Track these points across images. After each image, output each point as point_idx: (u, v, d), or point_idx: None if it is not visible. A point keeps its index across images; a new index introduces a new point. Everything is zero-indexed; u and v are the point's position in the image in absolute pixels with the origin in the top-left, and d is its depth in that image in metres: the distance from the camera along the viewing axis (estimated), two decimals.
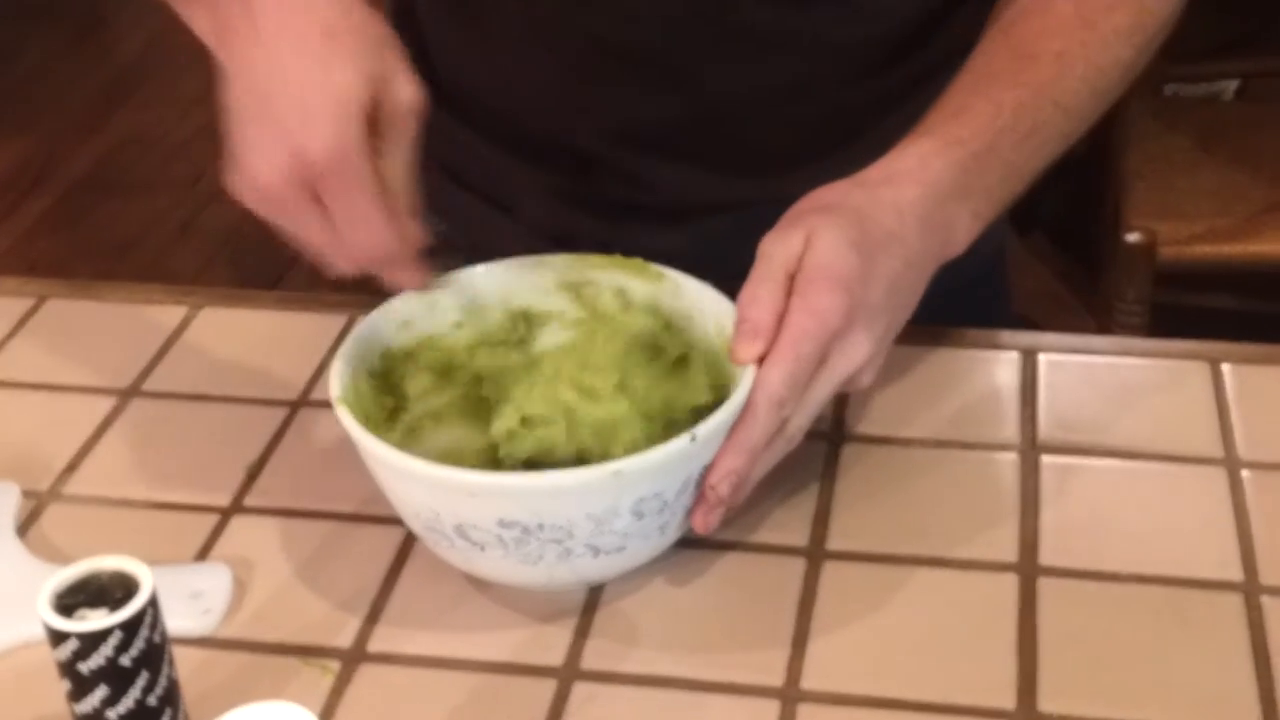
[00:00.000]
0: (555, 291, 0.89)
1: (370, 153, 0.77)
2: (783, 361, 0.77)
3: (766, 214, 0.84)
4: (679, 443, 0.75)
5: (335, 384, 0.81)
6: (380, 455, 0.77)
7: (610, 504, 0.75)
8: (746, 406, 0.77)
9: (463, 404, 0.88)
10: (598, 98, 1.01)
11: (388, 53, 0.79)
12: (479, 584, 0.82)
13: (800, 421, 0.80)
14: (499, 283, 0.89)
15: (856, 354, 0.80)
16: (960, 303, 0.92)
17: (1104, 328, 1.89)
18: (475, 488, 0.75)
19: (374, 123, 0.77)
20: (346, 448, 0.80)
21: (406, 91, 0.78)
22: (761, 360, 0.78)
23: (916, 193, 0.83)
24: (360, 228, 0.78)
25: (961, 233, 0.86)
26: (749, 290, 0.80)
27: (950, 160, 0.85)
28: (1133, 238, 1.84)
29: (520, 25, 1.00)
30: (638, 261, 0.88)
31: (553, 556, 0.77)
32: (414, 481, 0.77)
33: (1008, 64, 0.90)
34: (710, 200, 1.04)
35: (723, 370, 0.84)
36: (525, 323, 0.89)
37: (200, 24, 0.82)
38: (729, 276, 0.83)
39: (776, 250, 0.81)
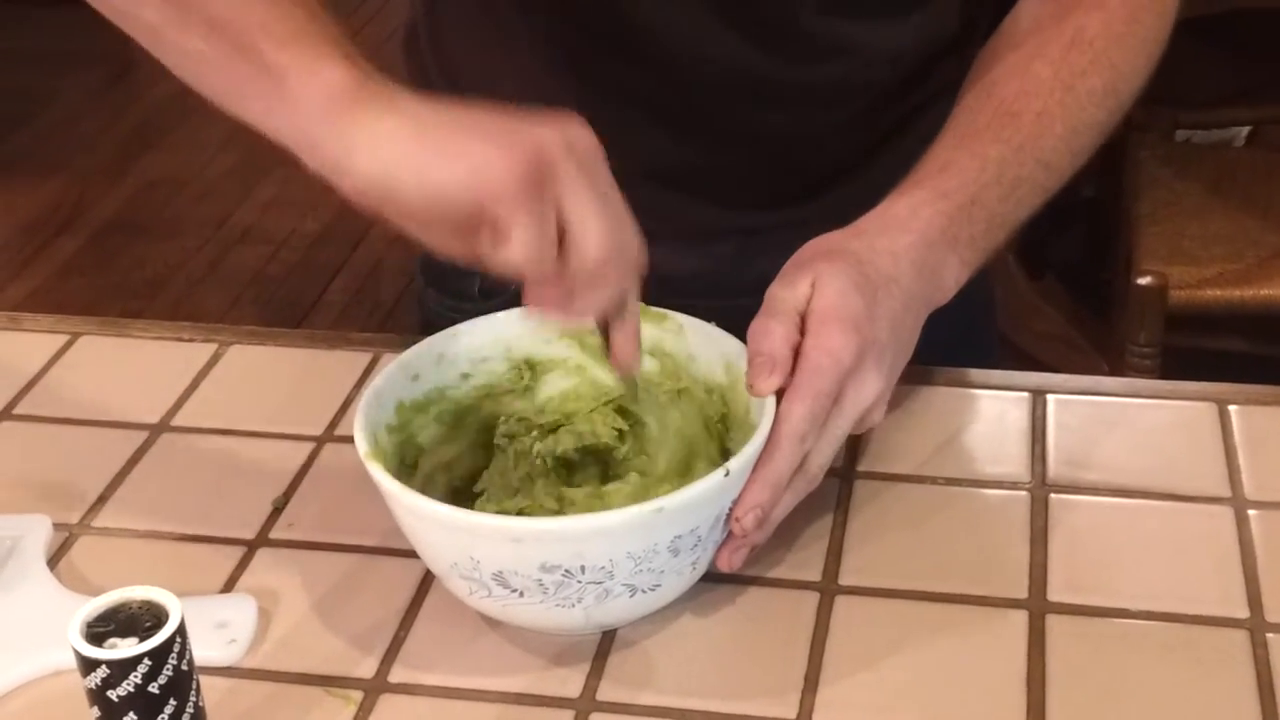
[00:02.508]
0: (557, 339, 0.91)
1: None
2: (803, 398, 0.79)
3: (774, 238, 0.87)
4: (714, 478, 0.77)
5: (361, 442, 0.81)
6: (418, 508, 0.78)
7: (651, 542, 0.76)
8: (769, 442, 0.79)
9: (474, 453, 0.90)
10: (616, 139, 1.03)
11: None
12: None
13: (820, 459, 0.82)
14: (502, 332, 0.90)
15: (869, 390, 0.82)
16: (939, 321, 0.93)
17: (1116, 370, 1.90)
18: (520, 533, 0.76)
19: None
20: (370, 483, 0.81)
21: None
22: (780, 392, 0.80)
23: (908, 240, 0.86)
24: (602, 223, 0.76)
25: (950, 279, 0.89)
26: (760, 323, 0.82)
27: (938, 210, 0.88)
28: (1144, 281, 1.84)
29: (542, 73, 1.02)
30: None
31: (591, 598, 0.78)
32: (456, 531, 0.78)
33: (991, 121, 0.93)
34: (722, 228, 1.06)
35: (732, 406, 0.86)
36: (530, 371, 0.91)
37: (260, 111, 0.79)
38: (736, 294, 0.85)
39: (784, 294, 0.83)
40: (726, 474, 0.77)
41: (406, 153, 0.75)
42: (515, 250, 0.74)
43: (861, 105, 1.03)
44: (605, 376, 0.91)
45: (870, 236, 0.86)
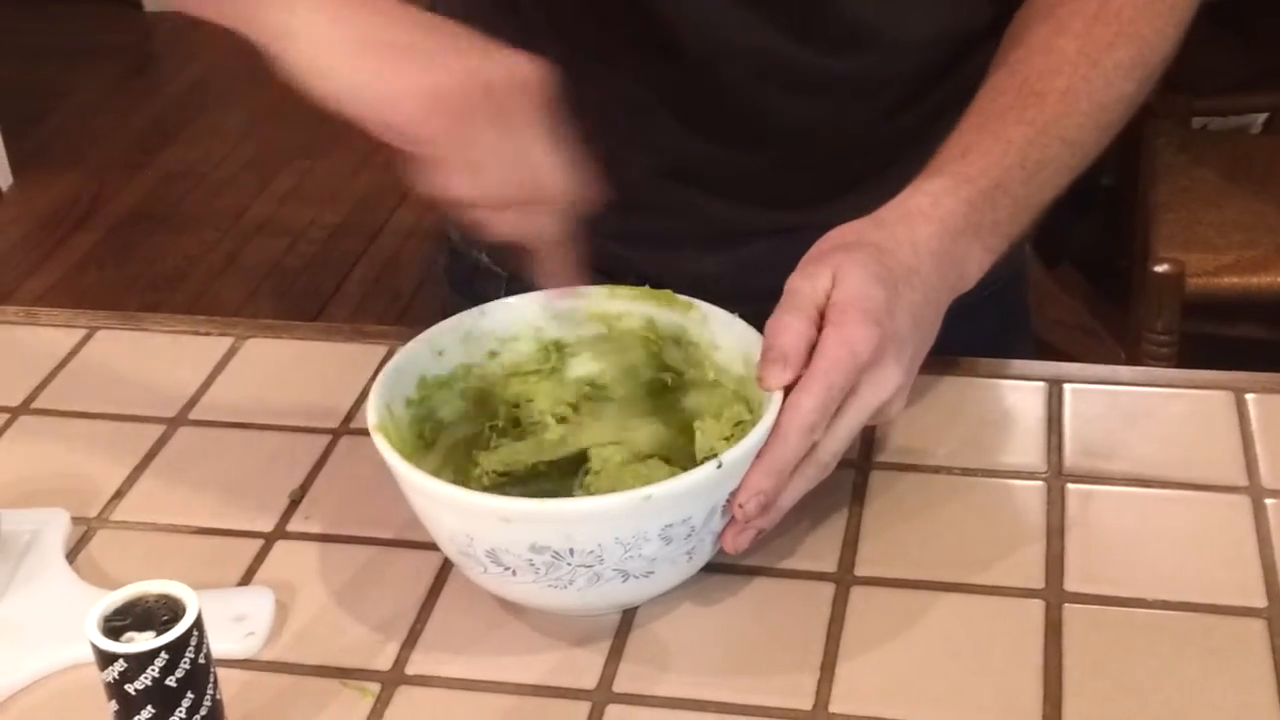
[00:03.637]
0: (586, 322, 0.91)
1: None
2: (815, 389, 0.79)
3: (805, 238, 0.86)
4: (706, 469, 0.77)
5: (372, 412, 0.82)
6: (415, 482, 0.79)
7: (639, 529, 0.77)
8: (776, 429, 0.79)
9: (496, 431, 0.90)
10: (645, 134, 1.03)
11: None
12: (514, 608, 0.84)
13: (833, 448, 0.82)
14: (531, 313, 0.91)
15: (888, 383, 0.82)
16: (978, 325, 0.93)
17: (1133, 358, 1.90)
18: (508, 513, 0.77)
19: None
20: (386, 475, 0.82)
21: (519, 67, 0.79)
22: (789, 387, 0.80)
23: (930, 230, 0.86)
24: (546, 161, 0.80)
25: (973, 267, 0.88)
26: (777, 319, 0.82)
27: (960, 198, 0.87)
28: (1161, 269, 1.84)
29: (569, 64, 1.02)
30: (666, 293, 0.90)
31: (583, 581, 0.78)
32: (448, 507, 0.79)
33: (1014, 102, 0.91)
34: (750, 228, 1.05)
35: (749, 397, 0.86)
36: (557, 352, 0.91)
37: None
38: (765, 298, 0.85)
39: (804, 286, 0.83)
40: (719, 466, 0.77)
41: (335, 54, 0.78)
42: (439, 180, 0.77)
43: (891, 98, 1.02)
44: (635, 360, 0.91)
45: (890, 227, 0.86)
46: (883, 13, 0.97)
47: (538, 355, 0.91)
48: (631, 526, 0.76)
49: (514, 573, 0.79)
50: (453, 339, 0.89)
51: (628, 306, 0.91)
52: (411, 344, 0.88)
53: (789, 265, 0.85)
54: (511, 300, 0.91)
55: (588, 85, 1.01)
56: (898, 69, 1.01)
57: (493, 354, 0.91)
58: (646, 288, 0.91)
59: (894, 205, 0.87)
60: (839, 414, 0.81)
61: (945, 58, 1.02)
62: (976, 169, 0.89)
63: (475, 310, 0.90)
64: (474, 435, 0.90)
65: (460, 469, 0.88)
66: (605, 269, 1.04)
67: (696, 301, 0.89)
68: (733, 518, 0.80)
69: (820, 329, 0.81)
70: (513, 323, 0.91)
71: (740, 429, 0.85)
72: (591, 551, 0.77)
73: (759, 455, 0.79)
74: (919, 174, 0.89)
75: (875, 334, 0.80)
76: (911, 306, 0.83)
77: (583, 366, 0.92)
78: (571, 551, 0.77)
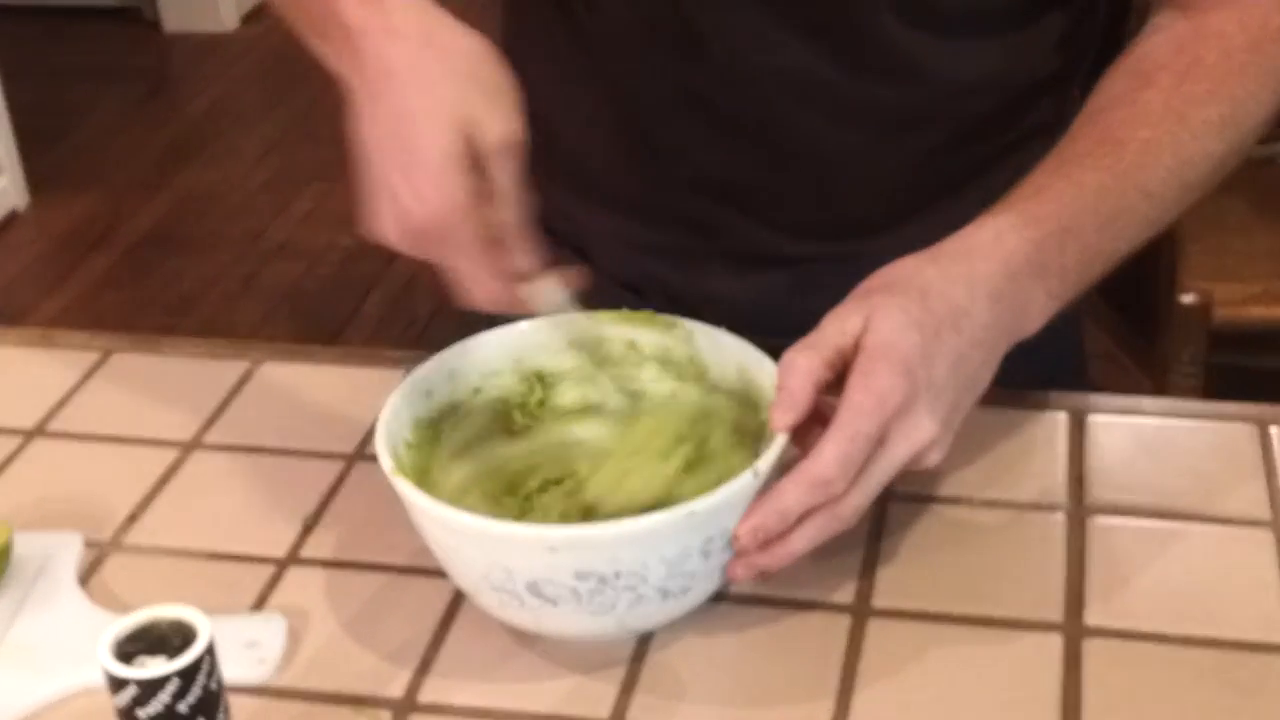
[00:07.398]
0: (566, 350, 0.91)
1: (476, 202, 0.79)
2: (839, 437, 0.77)
3: (828, 273, 0.85)
4: (743, 479, 0.77)
5: (384, 458, 0.82)
6: (451, 521, 0.78)
7: (684, 546, 0.77)
8: (794, 472, 0.78)
9: (487, 468, 0.90)
10: (677, 147, 1.02)
11: (478, 87, 0.80)
12: (527, 637, 0.83)
13: (856, 502, 0.79)
14: (511, 345, 0.91)
15: (918, 435, 0.79)
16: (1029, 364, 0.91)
17: (1159, 389, 1.89)
18: (555, 542, 0.77)
19: (477, 164, 0.79)
20: (400, 502, 0.81)
21: (496, 130, 0.79)
22: (796, 428, 0.79)
23: (989, 268, 0.83)
24: (470, 284, 0.81)
25: (1035, 311, 0.85)
26: (788, 356, 0.81)
27: (1026, 237, 0.84)
28: (1188, 299, 1.83)
29: (608, 79, 1.02)
30: (647, 314, 0.90)
31: (624, 605, 0.78)
32: (489, 543, 0.78)
33: (1092, 148, 0.89)
34: (778, 253, 1.04)
35: (750, 410, 0.86)
36: (540, 383, 0.91)
37: (326, 57, 0.84)
38: (786, 332, 0.84)
39: (830, 328, 0.81)
40: (755, 474, 0.77)
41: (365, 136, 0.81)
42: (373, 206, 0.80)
43: (936, 137, 1.00)
44: (620, 385, 0.91)
45: (947, 263, 0.83)
46: (931, 50, 0.96)
47: (521, 388, 0.91)
48: (676, 544, 0.77)
49: (555, 603, 0.78)
50: (439, 378, 0.89)
51: (609, 331, 0.91)
52: (402, 387, 0.87)
53: (811, 298, 0.84)
54: (493, 334, 0.91)
55: (627, 95, 1.01)
56: (943, 107, 0.99)
57: (477, 390, 0.90)
58: (625, 310, 0.91)
59: (956, 239, 0.85)
60: (866, 468, 0.78)
61: (998, 104, 1.00)
62: (1046, 210, 0.85)
63: (457, 347, 0.90)
64: (471, 473, 0.89)
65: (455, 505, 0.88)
66: (631, 282, 1.05)
67: (679, 319, 0.89)
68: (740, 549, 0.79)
69: (840, 372, 0.80)
70: (494, 357, 0.91)
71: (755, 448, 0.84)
72: (636, 573, 0.77)
73: (765, 493, 0.78)
74: (980, 209, 0.86)
75: (904, 383, 0.78)
76: (954, 352, 0.80)
77: (567, 394, 0.92)
78: (617, 575, 0.77)
